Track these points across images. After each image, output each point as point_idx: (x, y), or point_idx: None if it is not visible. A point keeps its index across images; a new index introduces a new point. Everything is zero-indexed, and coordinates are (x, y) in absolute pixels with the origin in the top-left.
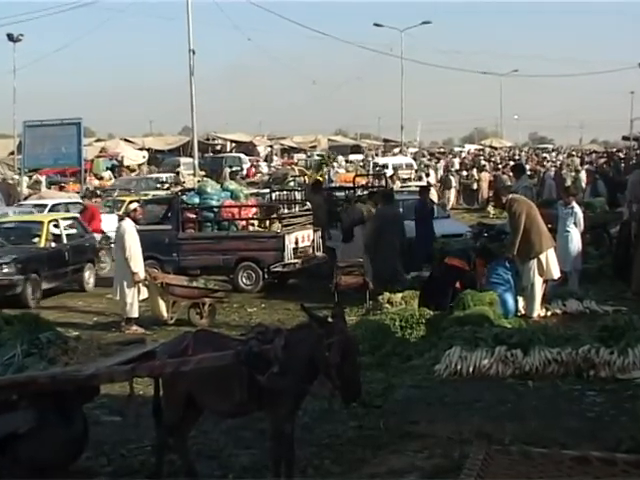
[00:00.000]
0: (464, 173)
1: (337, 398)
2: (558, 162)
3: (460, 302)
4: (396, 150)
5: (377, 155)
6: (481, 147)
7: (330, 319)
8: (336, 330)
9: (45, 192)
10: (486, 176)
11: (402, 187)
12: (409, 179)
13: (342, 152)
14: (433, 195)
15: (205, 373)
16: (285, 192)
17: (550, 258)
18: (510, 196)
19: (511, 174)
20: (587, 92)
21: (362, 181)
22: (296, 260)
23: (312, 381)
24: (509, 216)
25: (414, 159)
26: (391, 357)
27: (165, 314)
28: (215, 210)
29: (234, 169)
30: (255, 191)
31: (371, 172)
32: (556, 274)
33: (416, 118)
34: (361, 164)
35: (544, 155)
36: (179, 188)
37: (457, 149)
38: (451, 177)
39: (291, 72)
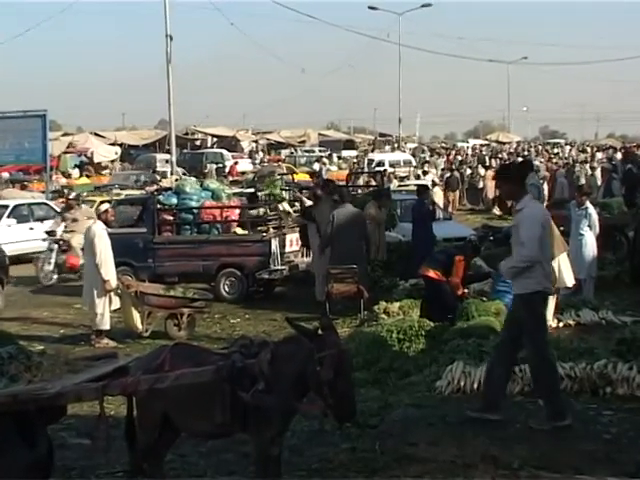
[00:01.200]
0: (468, 171)
1: (329, 418)
2: (571, 158)
3: (463, 312)
4: (387, 147)
5: (372, 151)
6: (487, 142)
7: (320, 331)
8: (328, 343)
9: (7, 192)
10: (492, 174)
11: (400, 186)
12: (407, 177)
13: (334, 148)
14: (437, 195)
15: (183, 391)
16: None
17: (563, 265)
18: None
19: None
20: (603, 81)
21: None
22: (283, 266)
23: (301, 399)
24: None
25: (413, 155)
26: (388, 373)
27: (139, 326)
28: (194, 211)
29: (219, 166)
30: (238, 190)
31: (366, 169)
32: (570, 282)
33: (415, 110)
34: (355, 161)
35: (556, 151)
36: (155, 187)
37: (460, 144)
38: (456, 177)
39: (278, 60)
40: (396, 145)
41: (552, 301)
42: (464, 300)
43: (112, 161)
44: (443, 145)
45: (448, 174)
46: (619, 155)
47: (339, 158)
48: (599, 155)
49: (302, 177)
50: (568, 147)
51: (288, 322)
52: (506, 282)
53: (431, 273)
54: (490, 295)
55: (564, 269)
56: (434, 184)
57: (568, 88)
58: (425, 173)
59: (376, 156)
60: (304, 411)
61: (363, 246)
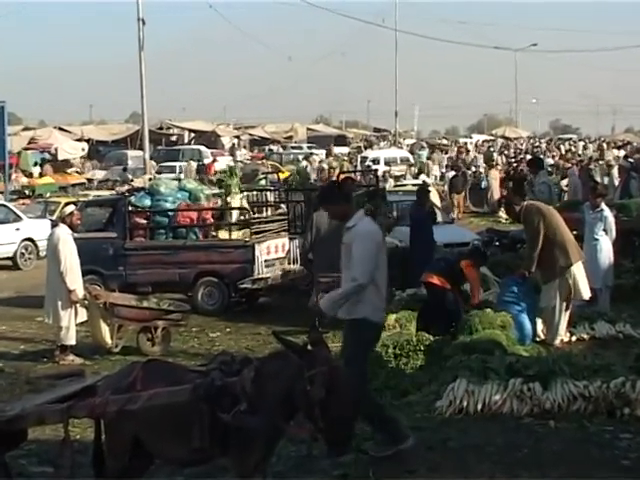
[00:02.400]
0: (471, 169)
1: (319, 442)
2: (585, 155)
3: (466, 325)
4: (382, 143)
5: (366, 148)
6: (492, 137)
7: (310, 346)
8: (319, 359)
9: None
10: (496, 173)
11: (396, 186)
12: (402, 176)
13: (324, 144)
14: (434, 196)
15: (157, 412)
16: (255, 192)
17: (578, 274)
18: (525, 203)
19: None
20: (621, 71)
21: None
22: (268, 274)
23: (288, 421)
24: (525, 227)
25: (411, 152)
26: (383, 392)
27: (109, 341)
28: (170, 214)
29: (200, 164)
30: (218, 191)
31: (359, 168)
32: (586, 294)
33: (413, 103)
34: (346, 158)
35: (568, 147)
36: (126, 187)
37: (463, 140)
38: (462, 176)
39: (262, 47)
40: (392, 141)
41: (565, 314)
42: (469, 311)
43: (82, 158)
44: (444, 142)
45: (452, 173)
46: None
47: (329, 155)
48: (615, 152)
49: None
50: (582, 143)
51: (275, 336)
52: (513, 291)
53: (435, 280)
54: (495, 306)
55: (580, 279)
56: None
57: (582, 78)
58: (419, 173)
59: (370, 153)
60: (291, 434)
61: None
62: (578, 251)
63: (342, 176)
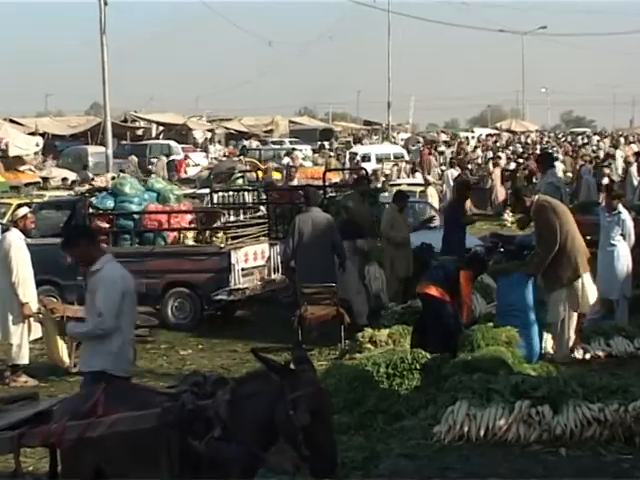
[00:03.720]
0: (472, 167)
1: (302, 472)
2: (601, 151)
3: (467, 341)
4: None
5: (355, 143)
6: (496, 132)
7: (293, 366)
8: (303, 380)
9: None
10: (499, 172)
11: (391, 186)
12: (389, 175)
13: (308, 138)
14: (432, 197)
15: (121, 440)
16: (231, 193)
17: (587, 285)
18: (537, 196)
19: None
20: None
21: (335, 177)
22: (246, 285)
23: (268, 449)
24: (536, 224)
25: (405, 148)
26: (375, 415)
27: (66, 359)
28: (135, 217)
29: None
30: (190, 191)
31: (348, 165)
32: (592, 299)
33: (408, 93)
34: (332, 154)
35: (582, 142)
36: (86, 187)
37: (463, 134)
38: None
39: (239, 30)
40: (385, 135)
41: (572, 324)
42: (470, 326)
43: (36, 154)
44: (442, 137)
45: (451, 171)
46: None
47: (314, 151)
48: (635, 147)
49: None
50: (596, 137)
51: (254, 353)
52: (512, 304)
53: (433, 290)
54: (499, 319)
55: (589, 290)
56: (427, 183)
57: (597, 65)
58: (414, 171)
59: (360, 149)
60: (272, 464)
61: (334, 259)
62: (587, 261)
63: (328, 174)
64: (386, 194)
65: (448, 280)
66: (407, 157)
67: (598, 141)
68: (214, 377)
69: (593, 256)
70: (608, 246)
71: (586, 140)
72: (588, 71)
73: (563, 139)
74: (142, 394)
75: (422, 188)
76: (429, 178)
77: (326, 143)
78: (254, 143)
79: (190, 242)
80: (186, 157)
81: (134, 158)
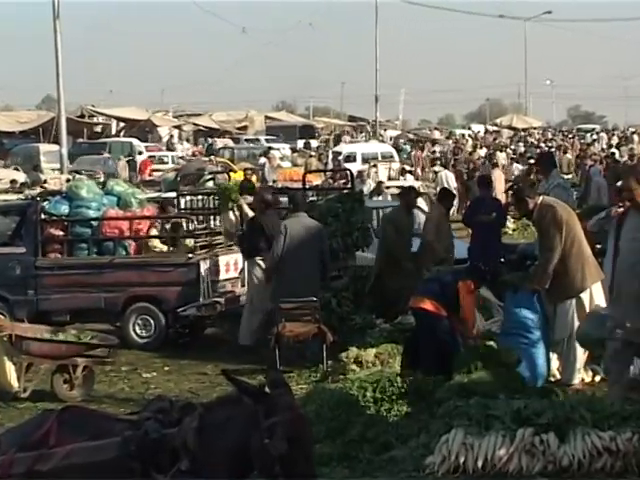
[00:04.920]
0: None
1: None
2: (612, 150)
3: (464, 362)
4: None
5: (338, 141)
6: (496, 128)
7: (268, 389)
8: (279, 406)
9: None
10: (501, 174)
11: (377, 189)
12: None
13: (287, 136)
14: (423, 202)
15: (76, 473)
16: (200, 197)
17: (596, 297)
18: (541, 198)
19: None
20: None
21: (316, 180)
22: (217, 299)
23: None
24: (539, 230)
25: (395, 147)
26: (360, 445)
27: (15, 383)
28: (94, 224)
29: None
30: (155, 195)
31: (331, 165)
32: None
33: (398, 85)
34: (313, 154)
35: (590, 138)
36: (38, 190)
37: (459, 131)
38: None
39: (209, 16)
40: (372, 132)
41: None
42: (469, 343)
43: None
44: (435, 135)
45: (446, 173)
46: None
47: (293, 150)
48: None
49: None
50: (605, 136)
51: (225, 375)
52: (520, 320)
53: (427, 304)
54: (499, 338)
55: (598, 302)
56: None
57: (607, 54)
58: (404, 172)
59: (344, 148)
60: None
61: (320, 271)
62: (597, 269)
63: (309, 176)
64: (379, 198)
65: (445, 293)
66: (396, 157)
67: (609, 139)
68: (181, 402)
69: (601, 266)
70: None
71: (595, 137)
72: (598, 61)
73: (570, 137)
74: (100, 421)
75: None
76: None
77: (312, 142)
78: (219, 142)
79: (155, 252)
80: (151, 157)
81: (122, 160)
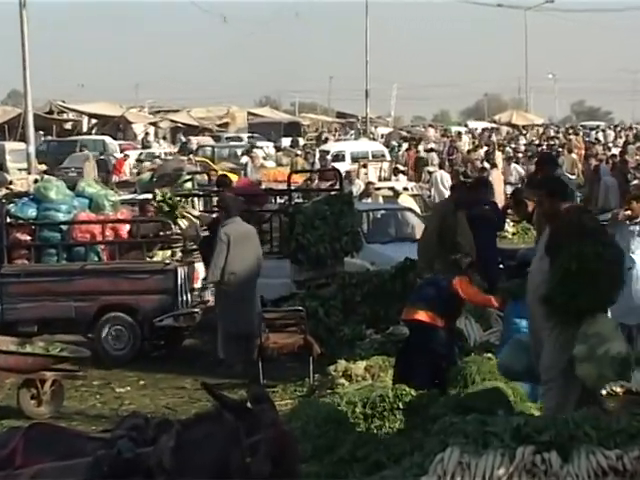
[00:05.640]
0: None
1: None
2: (618, 148)
3: (459, 375)
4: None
5: (321, 139)
6: (494, 125)
7: (250, 405)
8: (263, 422)
9: None
10: (498, 175)
11: (368, 190)
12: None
13: (271, 133)
14: (410, 203)
15: None
16: (179, 199)
17: None
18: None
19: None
20: None
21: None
22: (196, 309)
23: None
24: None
25: (386, 146)
26: (350, 464)
27: None
28: (63, 228)
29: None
30: (129, 197)
31: (318, 165)
32: None
33: (390, 80)
34: (299, 153)
35: (596, 137)
36: (3, 192)
37: (455, 129)
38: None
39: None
40: (362, 130)
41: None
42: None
43: None
44: (429, 132)
45: (441, 173)
46: None
47: (277, 149)
48: None
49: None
50: (612, 132)
51: (204, 387)
52: (520, 331)
53: (421, 315)
54: (498, 350)
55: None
56: (397, 193)
57: (614, 46)
58: (397, 172)
59: (332, 146)
60: None
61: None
62: None
63: (294, 177)
64: (369, 200)
65: (441, 298)
66: (388, 156)
67: (616, 136)
68: (157, 419)
69: None
70: (628, 262)
71: (601, 135)
72: (603, 54)
73: (573, 134)
74: (70, 440)
75: (407, 193)
76: (396, 187)
77: (300, 140)
78: (197, 140)
79: (130, 257)
80: (125, 156)
81: (91, 159)
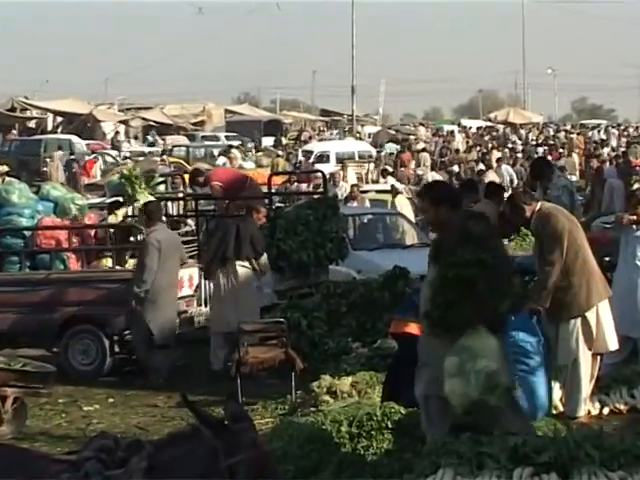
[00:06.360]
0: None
1: None
2: (623, 149)
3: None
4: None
5: (311, 138)
6: (489, 124)
7: (228, 423)
8: (242, 442)
9: None
10: (494, 177)
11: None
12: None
13: (249, 132)
14: (404, 207)
15: None
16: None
17: (603, 317)
18: (540, 205)
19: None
20: None
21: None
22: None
23: None
24: (537, 240)
25: (374, 145)
26: None
27: None
28: (27, 234)
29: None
30: (98, 200)
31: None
32: (613, 344)
33: (378, 75)
34: (281, 153)
35: (599, 137)
36: None
37: (447, 127)
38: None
39: None
40: (348, 129)
41: (586, 368)
42: None
43: None
44: (420, 131)
45: (432, 175)
46: None
47: (257, 150)
48: None
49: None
50: (616, 131)
51: (184, 400)
52: (521, 343)
53: (413, 328)
54: None
55: (605, 324)
56: (396, 192)
57: (618, 39)
58: (385, 173)
59: (316, 146)
60: None
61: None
62: (605, 286)
63: (275, 179)
64: (355, 204)
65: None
66: (375, 155)
67: (619, 135)
68: (127, 440)
69: (610, 283)
70: (631, 270)
71: (604, 135)
72: (606, 47)
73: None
74: (34, 462)
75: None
76: (398, 186)
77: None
78: (168, 139)
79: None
80: (95, 156)
81: (56, 158)
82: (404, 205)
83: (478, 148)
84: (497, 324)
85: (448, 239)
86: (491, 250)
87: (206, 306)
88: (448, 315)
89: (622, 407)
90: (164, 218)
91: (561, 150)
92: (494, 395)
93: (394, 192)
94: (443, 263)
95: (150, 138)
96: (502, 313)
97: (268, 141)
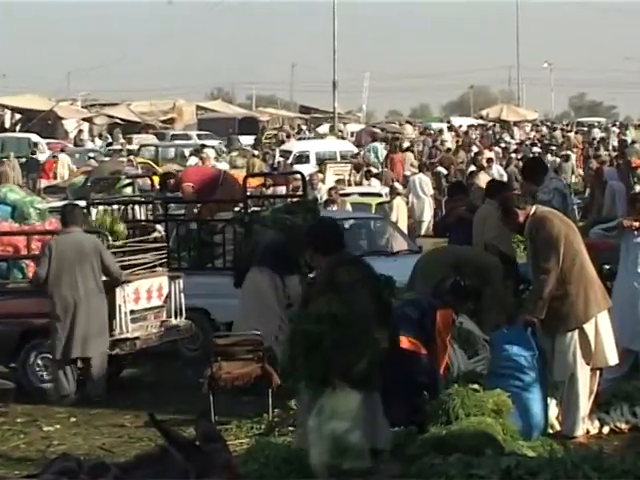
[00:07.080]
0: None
1: None
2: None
3: (442, 409)
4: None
5: (289, 137)
6: (481, 122)
7: (199, 443)
8: (216, 464)
9: None
10: (485, 179)
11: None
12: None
13: (222, 130)
14: (400, 212)
15: None
16: (117, 206)
17: (603, 329)
18: (534, 209)
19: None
20: None
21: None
22: (137, 333)
23: None
24: (533, 247)
25: (357, 144)
26: None
27: None
28: None
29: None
30: (59, 204)
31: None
32: (613, 358)
33: (361, 69)
34: (257, 153)
35: (597, 135)
36: None
37: (436, 125)
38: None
39: None
40: (329, 127)
41: (584, 384)
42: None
43: None
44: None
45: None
46: None
47: (230, 149)
48: None
49: None
50: (616, 130)
51: (152, 420)
52: (514, 357)
53: (404, 342)
54: (486, 380)
55: (605, 336)
56: (397, 192)
57: (619, 32)
58: (370, 175)
59: (295, 146)
60: None
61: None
62: (604, 295)
63: (251, 180)
64: (334, 208)
65: (424, 322)
66: (361, 157)
67: (619, 133)
68: (91, 462)
69: (609, 292)
70: (632, 278)
71: (604, 134)
72: (606, 41)
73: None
74: None
75: (380, 199)
76: (397, 186)
77: (242, 138)
78: (119, 138)
79: None
80: (55, 157)
81: (12, 158)
82: (402, 208)
83: (468, 148)
84: (359, 381)
85: (314, 288)
86: (349, 303)
87: (176, 318)
88: (295, 369)
89: (623, 426)
90: (125, 224)
91: (553, 148)
92: (346, 459)
93: (394, 193)
94: (300, 314)
95: (109, 137)
96: (363, 370)
97: (245, 140)
